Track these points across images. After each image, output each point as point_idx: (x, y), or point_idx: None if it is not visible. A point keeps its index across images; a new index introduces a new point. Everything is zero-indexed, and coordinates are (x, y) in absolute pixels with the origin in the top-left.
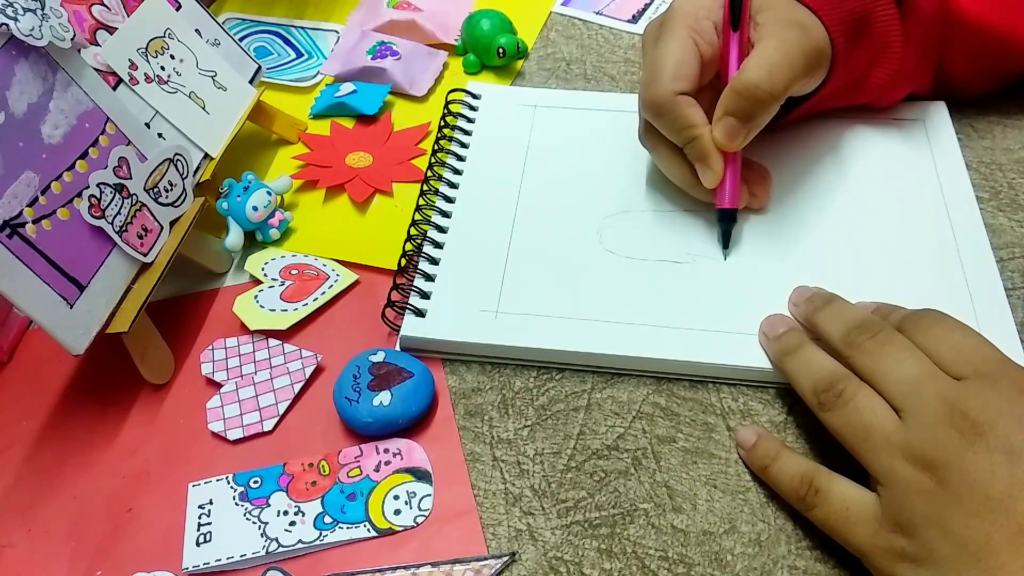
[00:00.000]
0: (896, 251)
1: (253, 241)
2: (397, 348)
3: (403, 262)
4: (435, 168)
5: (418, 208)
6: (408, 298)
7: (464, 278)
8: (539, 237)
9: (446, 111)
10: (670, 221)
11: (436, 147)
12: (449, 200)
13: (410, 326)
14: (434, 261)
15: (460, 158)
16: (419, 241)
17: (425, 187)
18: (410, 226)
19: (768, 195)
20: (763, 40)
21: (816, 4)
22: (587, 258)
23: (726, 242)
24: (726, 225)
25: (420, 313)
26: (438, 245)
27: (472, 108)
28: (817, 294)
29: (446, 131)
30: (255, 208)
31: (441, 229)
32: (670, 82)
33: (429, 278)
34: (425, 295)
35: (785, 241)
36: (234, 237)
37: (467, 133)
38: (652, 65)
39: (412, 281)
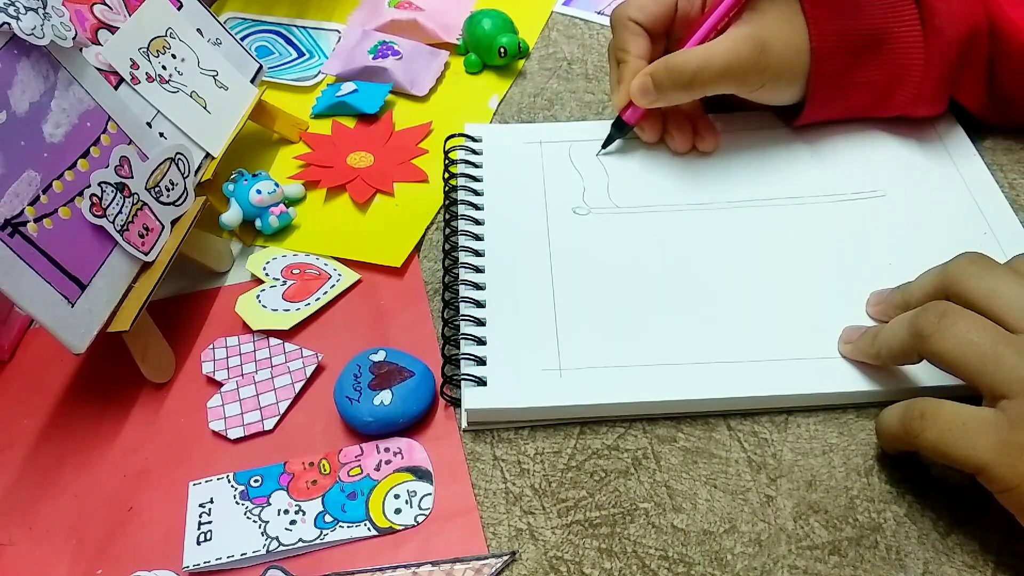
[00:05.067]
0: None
1: (255, 234)
2: (464, 427)
3: (444, 332)
4: (452, 224)
5: (446, 270)
6: (460, 368)
7: (517, 337)
8: (582, 280)
9: (447, 161)
10: (713, 246)
11: (447, 201)
12: (478, 254)
13: (472, 398)
14: (480, 322)
15: (477, 207)
16: (456, 304)
17: (447, 246)
18: (444, 290)
19: (689, 143)
20: (725, 38)
21: (816, 15)
22: (638, 297)
23: (605, 144)
24: (614, 131)
25: (481, 382)
26: (479, 305)
27: (475, 152)
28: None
29: (452, 183)
30: (259, 192)
31: (477, 286)
32: (632, 8)
33: (480, 342)
34: (481, 361)
35: (840, 262)
36: (232, 214)
37: (477, 180)
38: None
39: (459, 349)
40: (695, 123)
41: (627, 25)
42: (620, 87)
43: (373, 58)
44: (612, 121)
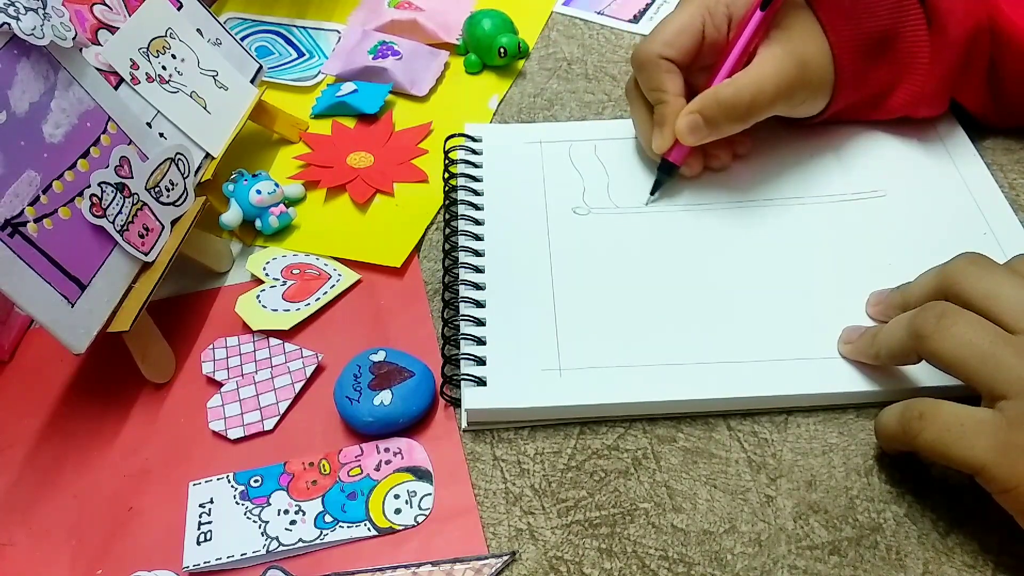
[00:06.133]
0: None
1: (255, 234)
2: (464, 427)
3: (444, 332)
4: (452, 224)
5: (446, 270)
6: (460, 368)
7: (516, 337)
8: (582, 280)
9: (447, 161)
10: (713, 246)
11: (447, 201)
12: (478, 254)
13: (472, 398)
14: (480, 322)
15: (477, 207)
16: (456, 304)
17: (447, 246)
18: (444, 290)
19: (731, 157)
20: (766, 60)
21: (832, 22)
22: (638, 297)
23: (654, 190)
24: (662, 175)
25: (481, 382)
26: (479, 305)
27: (475, 152)
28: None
29: (452, 183)
30: (259, 192)
31: (477, 286)
32: (660, 45)
33: (480, 342)
34: (481, 361)
35: (840, 262)
36: (232, 214)
37: (477, 180)
38: (656, 25)
39: (459, 349)
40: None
41: (659, 64)
42: (663, 129)
43: (373, 58)
44: (658, 166)
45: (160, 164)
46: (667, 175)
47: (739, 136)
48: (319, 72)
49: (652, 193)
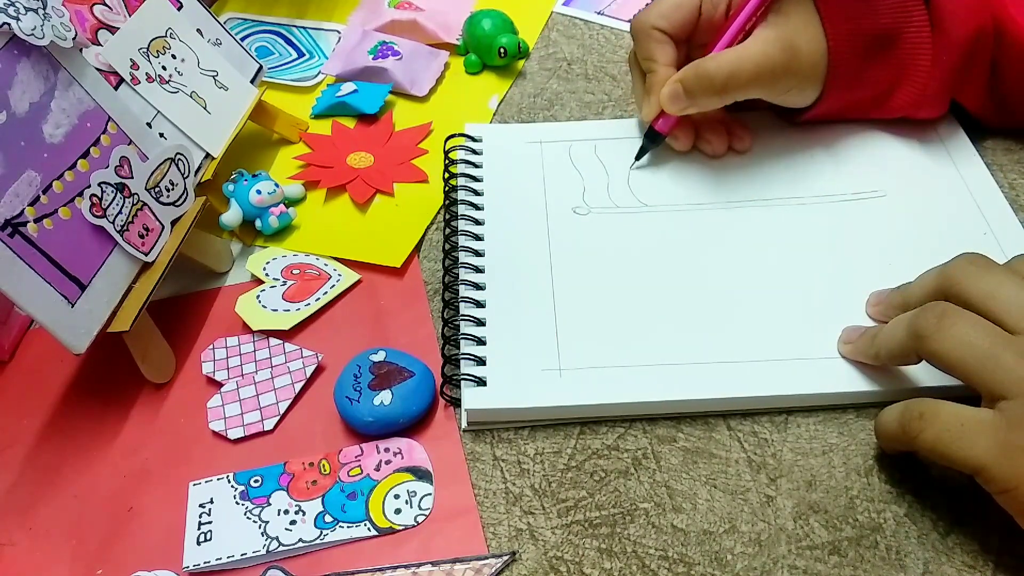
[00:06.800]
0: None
1: (255, 234)
2: (464, 427)
3: (444, 332)
4: (452, 224)
5: (446, 270)
6: (460, 368)
7: (516, 337)
8: (582, 280)
9: (447, 161)
10: (713, 246)
11: (447, 201)
12: (478, 254)
13: (472, 398)
14: (480, 322)
15: (477, 207)
16: (456, 304)
17: (447, 246)
18: (444, 290)
19: (725, 146)
20: (755, 41)
21: (831, 16)
22: (638, 297)
23: (639, 155)
24: (647, 142)
25: (481, 382)
26: (479, 305)
27: (475, 152)
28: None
29: (452, 183)
30: (259, 192)
31: (477, 286)
32: (655, 16)
33: (480, 342)
34: (481, 361)
35: (840, 262)
36: (232, 214)
37: (477, 180)
38: None
39: (459, 349)
40: (727, 125)
41: (651, 34)
42: (650, 97)
43: (373, 58)
44: (644, 132)
45: (160, 164)
46: (652, 142)
47: (738, 130)
48: (319, 72)
49: (637, 159)
